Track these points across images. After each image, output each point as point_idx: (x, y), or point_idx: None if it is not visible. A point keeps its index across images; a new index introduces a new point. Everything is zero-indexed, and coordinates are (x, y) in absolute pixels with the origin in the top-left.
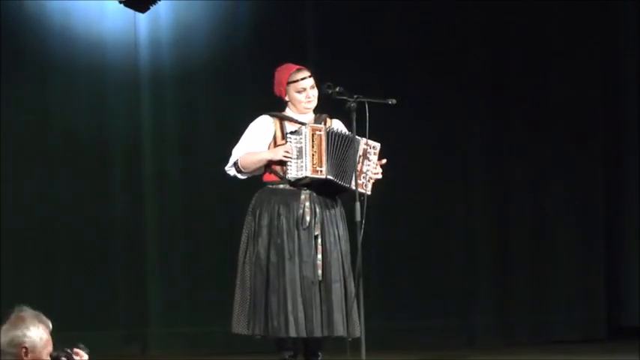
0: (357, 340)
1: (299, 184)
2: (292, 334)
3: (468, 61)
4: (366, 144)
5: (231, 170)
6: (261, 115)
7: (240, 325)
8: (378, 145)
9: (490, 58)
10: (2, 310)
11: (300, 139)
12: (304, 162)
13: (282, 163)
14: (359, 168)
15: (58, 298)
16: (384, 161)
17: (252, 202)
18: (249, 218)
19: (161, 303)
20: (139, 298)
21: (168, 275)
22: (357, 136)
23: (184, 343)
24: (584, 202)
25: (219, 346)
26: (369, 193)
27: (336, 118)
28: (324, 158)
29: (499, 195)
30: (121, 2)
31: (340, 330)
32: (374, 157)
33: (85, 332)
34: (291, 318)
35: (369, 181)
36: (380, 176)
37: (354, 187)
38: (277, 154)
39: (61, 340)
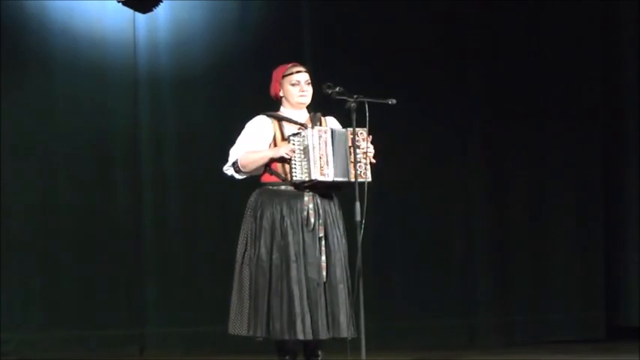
0: (357, 340)
1: (303, 186)
2: (300, 336)
3: (467, 60)
4: (352, 133)
5: (229, 170)
6: (257, 115)
7: (238, 327)
8: (364, 131)
9: (489, 57)
10: (2, 311)
11: (304, 140)
12: (310, 165)
13: (284, 161)
14: (352, 159)
15: (56, 298)
16: (370, 138)
17: (252, 202)
18: (249, 219)
19: (159, 303)
20: (137, 298)
21: (167, 276)
22: (341, 129)
23: (182, 343)
24: (584, 202)
25: (217, 347)
26: (369, 179)
27: (335, 117)
28: (330, 160)
29: (499, 195)
30: (119, 1)
31: (345, 331)
32: (363, 144)
33: (83, 332)
34: (298, 320)
35: (365, 167)
36: (373, 158)
37: (353, 179)
38: (279, 152)
39: (61, 339)
